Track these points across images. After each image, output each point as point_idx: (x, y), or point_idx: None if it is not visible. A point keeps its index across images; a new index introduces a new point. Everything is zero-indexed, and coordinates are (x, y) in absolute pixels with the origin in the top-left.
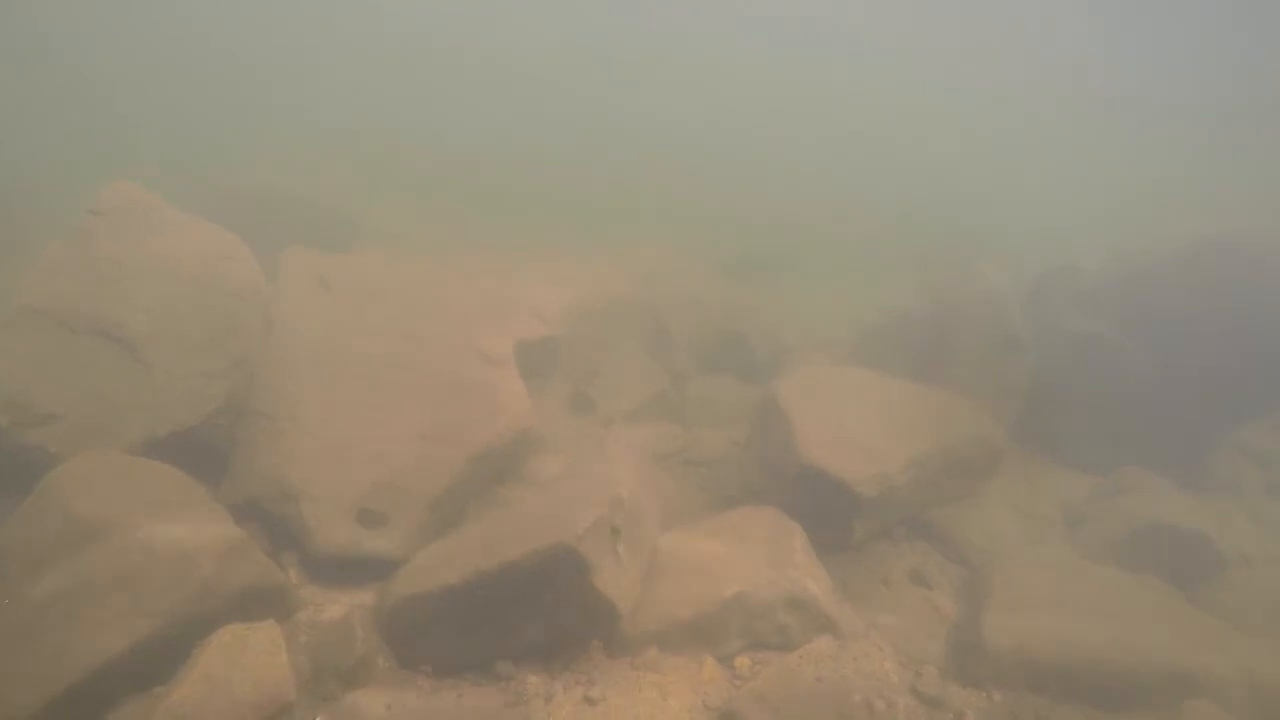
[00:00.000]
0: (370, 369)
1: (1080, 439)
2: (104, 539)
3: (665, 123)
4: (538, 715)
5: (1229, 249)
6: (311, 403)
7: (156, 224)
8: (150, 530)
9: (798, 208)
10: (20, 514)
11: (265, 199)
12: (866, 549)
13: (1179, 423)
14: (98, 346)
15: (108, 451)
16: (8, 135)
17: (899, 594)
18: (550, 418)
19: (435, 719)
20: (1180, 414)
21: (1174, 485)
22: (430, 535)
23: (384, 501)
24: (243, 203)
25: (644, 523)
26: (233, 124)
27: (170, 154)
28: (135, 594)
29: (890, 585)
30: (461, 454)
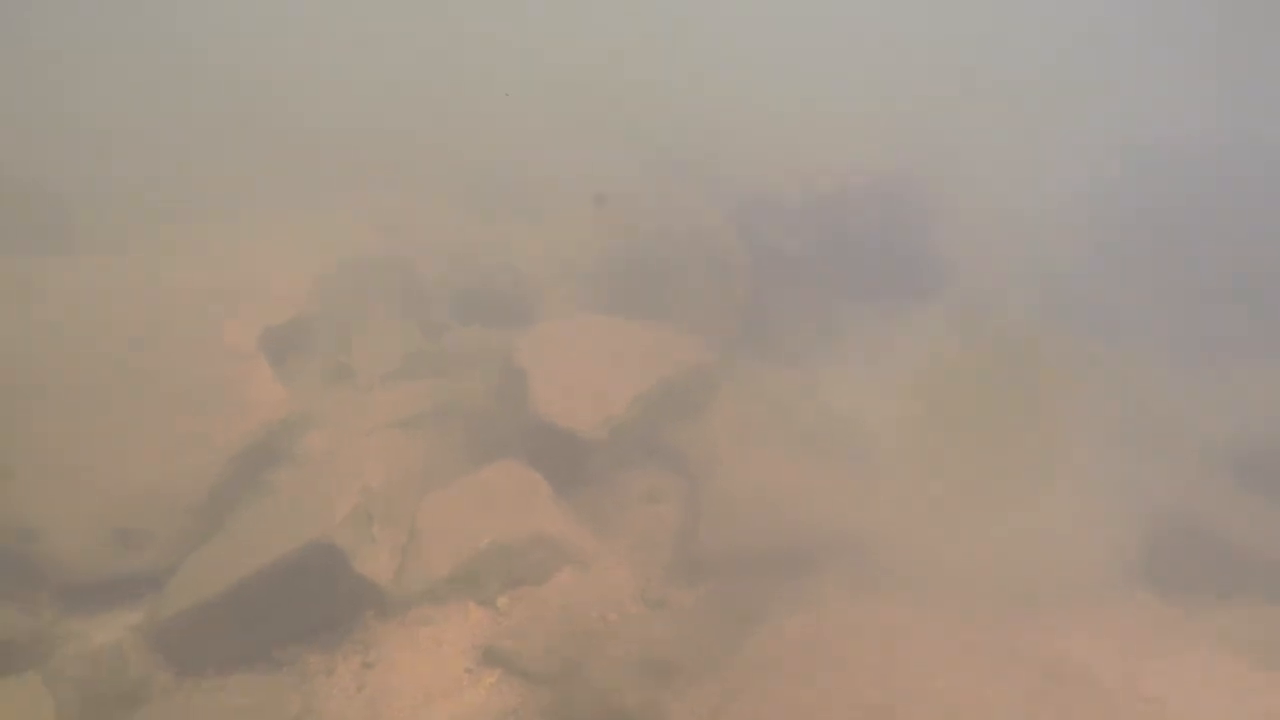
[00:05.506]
0: (104, 386)
1: (789, 342)
2: None
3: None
4: (322, 690)
5: (877, 186)
6: (41, 434)
7: None
8: None
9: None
10: None
11: None
12: (608, 477)
13: (856, 318)
14: None
15: None
16: None
17: (635, 514)
18: (311, 393)
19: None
20: (859, 309)
21: (855, 371)
22: (199, 538)
23: (144, 518)
24: None
25: (400, 496)
26: None
27: None
28: None
29: (627, 507)
30: (220, 457)
